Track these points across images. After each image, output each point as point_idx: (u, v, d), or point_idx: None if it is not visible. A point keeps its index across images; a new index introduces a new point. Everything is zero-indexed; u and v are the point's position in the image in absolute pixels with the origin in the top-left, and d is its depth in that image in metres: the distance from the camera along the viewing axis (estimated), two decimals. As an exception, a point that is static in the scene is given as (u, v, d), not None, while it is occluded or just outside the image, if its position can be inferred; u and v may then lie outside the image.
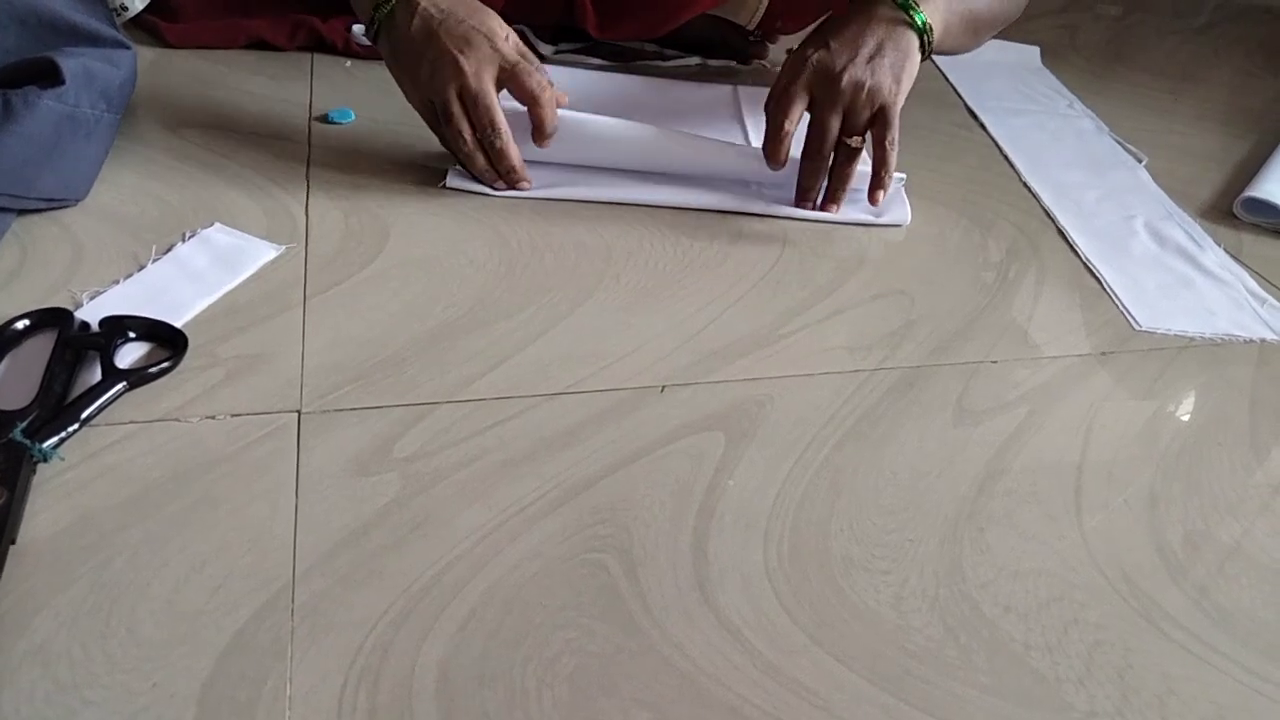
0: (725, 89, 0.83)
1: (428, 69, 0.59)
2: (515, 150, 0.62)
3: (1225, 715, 0.40)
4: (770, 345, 0.56)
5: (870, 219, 0.68)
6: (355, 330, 0.53)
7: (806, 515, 0.46)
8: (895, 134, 0.62)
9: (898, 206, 0.69)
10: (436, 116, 0.61)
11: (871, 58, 0.60)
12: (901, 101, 0.63)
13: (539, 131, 0.62)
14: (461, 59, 0.58)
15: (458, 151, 0.62)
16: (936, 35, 0.64)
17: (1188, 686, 0.41)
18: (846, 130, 0.61)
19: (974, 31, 0.72)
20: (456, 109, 0.59)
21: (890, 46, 0.61)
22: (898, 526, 0.47)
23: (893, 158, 0.63)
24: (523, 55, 0.60)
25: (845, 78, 0.60)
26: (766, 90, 0.83)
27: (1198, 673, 0.42)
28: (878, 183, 0.64)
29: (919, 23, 0.62)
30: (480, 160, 0.62)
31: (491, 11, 0.60)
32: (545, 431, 0.49)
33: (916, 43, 0.63)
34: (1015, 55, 1.02)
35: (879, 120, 0.62)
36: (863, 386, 0.54)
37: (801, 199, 0.67)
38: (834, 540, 0.45)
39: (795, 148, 0.69)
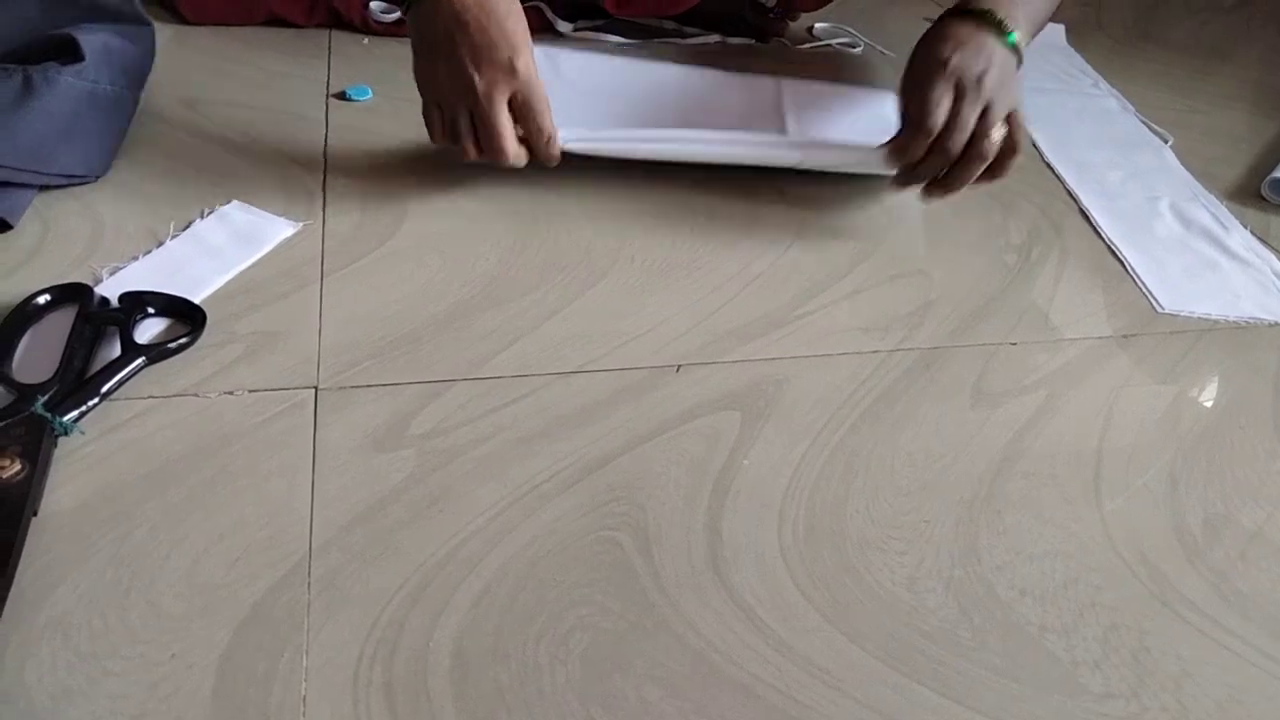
0: (768, 82, 0.79)
1: (444, 75, 0.57)
2: (523, 162, 0.60)
3: (1241, 698, 0.40)
4: (787, 325, 0.56)
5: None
6: (372, 307, 0.53)
7: (822, 495, 0.46)
8: (1024, 137, 0.62)
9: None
10: (441, 118, 0.59)
11: (999, 67, 0.62)
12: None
13: (537, 158, 0.60)
14: (477, 76, 0.55)
15: (463, 158, 0.60)
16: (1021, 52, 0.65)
17: (1204, 669, 0.41)
18: (982, 127, 0.61)
19: (1038, 33, 0.72)
20: (464, 126, 0.58)
21: (1001, 61, 0.63)
22: (913, 508, 0.46)
23: (1018, 159, 0.63)
24: (536, 88, 0.58)
25: (988, 80, 0.60)
26: (810, 84, 0.80)
27: (1214, 656, 0.42)
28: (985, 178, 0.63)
29: (1010, 42, 0.64)
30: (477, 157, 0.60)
31: (521, 15, 0.57)
32: (560, 410, 0.49)
33: (1014, 61, 0.64)
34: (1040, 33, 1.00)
35: (1011, 121, 0.62)
36: (880, 367, 0.54)
37: (908, 181, 0.64)
38: (849, 520, 0.45)
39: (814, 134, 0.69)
